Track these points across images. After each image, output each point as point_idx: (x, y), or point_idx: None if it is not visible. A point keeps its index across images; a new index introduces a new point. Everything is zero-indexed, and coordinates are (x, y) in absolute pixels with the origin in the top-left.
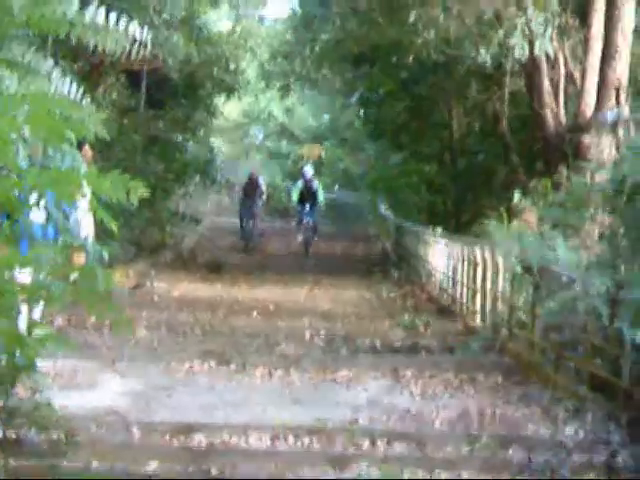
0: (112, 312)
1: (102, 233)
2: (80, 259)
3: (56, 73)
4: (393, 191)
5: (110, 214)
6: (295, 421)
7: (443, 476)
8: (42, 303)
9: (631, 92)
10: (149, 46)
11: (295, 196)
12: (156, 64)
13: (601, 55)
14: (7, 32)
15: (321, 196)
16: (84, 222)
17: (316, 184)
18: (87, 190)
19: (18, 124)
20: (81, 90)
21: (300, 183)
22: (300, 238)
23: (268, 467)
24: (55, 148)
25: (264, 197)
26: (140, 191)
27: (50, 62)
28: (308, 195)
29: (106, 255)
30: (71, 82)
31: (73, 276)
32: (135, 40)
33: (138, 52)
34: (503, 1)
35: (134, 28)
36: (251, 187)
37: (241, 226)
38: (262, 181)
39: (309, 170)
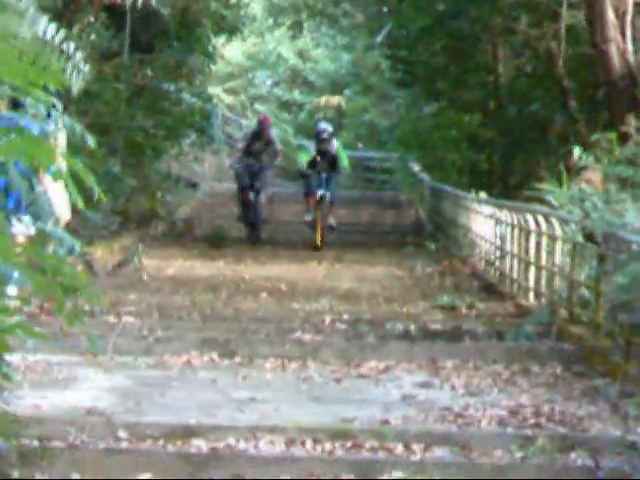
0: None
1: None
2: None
3: (32, 10)
4: (428, 148)
5: (91, 178)
6: (314, 422)
7: None
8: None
9: None
10: None
11: (304, 159)
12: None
13: None
14: None
15: (344, 160)
16: (55, 195)
17: (335, 145)
18: (62, 163)
19: None
20: (62, 32)
21: (312, 144)
22: (309, 218)
23: (282, 477)
24: (32, 101)
25: (279, 158)
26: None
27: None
28: (324, 160)
29: (78, 249)
30: (51, 22)
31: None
32: None
33: None
34: None
35: None
36: (260, 141)
37: (243, 201)
38: (275, 135)
39: (325, 127)
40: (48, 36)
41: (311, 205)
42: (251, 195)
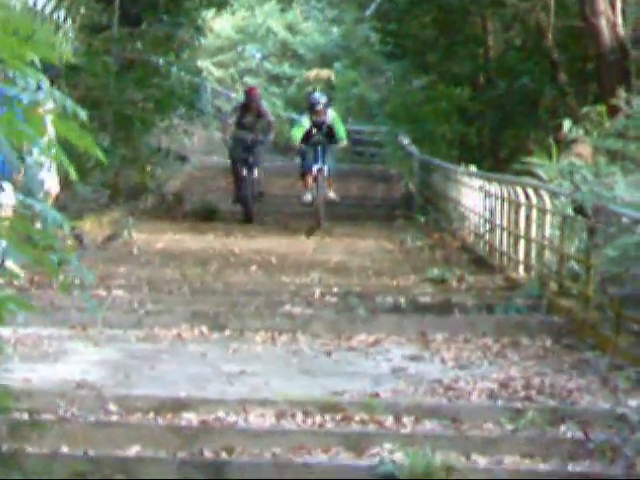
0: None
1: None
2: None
3: None
4: (417, 121)
5: (88, 141)
6: (304, 395)
7: (482, 459)
8: None
9: None
10: None
11: (298, 134)
12: None
13: None
14: None
15: (342, 131)
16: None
17: (331, 116)
18: (50, 129)
19: None
20: (52, 3)
21: (305, 117)
22: (308, 199)
23: (272, 449)
24: (16, 72)
25: (272, 132)
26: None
27: None
28: (319, 132)
29: (66, 227)
30: None
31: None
32: None
33: None
34: None
35: None
36: (250, 114)
37: (236, 179)
38: (267, 107)
39: (320, 97)
40: (38, 7)
41: (309, 184)
42: (244, 170)
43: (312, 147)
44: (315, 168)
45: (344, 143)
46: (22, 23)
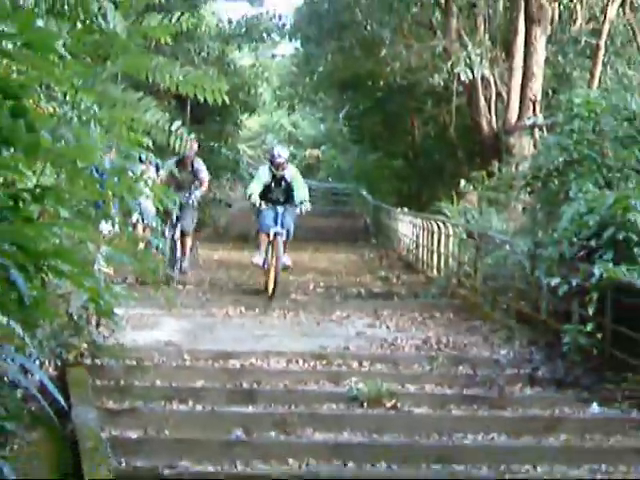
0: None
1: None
2: (146, 231)
3: (149, 106)
4: (371, 181)
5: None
6: (303, 349)
7: (411, 387)
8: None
9: (543, 105)
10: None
11: (254, 190)
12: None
13: (521, 78)
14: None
15: (302, 190)
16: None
17: (292, 173)
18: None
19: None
20: (168, 120)
21: (265, 169)
22: (259, 261)
23: (284, 382)
24: (131, 155)
25: (204, 189)
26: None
27: (148, 100)
28: (278, 189)
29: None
30: (164, 115)
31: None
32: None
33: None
34: (449, 40)
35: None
36: (185, 170)
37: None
38: (202, 163)
39: (282, 150)
40: (160, 120)
41: (263, 245)
42: (176, 236)
43: (272, 207)
44: (273, 231)
45: (307, 207)
46: (140, 122)
